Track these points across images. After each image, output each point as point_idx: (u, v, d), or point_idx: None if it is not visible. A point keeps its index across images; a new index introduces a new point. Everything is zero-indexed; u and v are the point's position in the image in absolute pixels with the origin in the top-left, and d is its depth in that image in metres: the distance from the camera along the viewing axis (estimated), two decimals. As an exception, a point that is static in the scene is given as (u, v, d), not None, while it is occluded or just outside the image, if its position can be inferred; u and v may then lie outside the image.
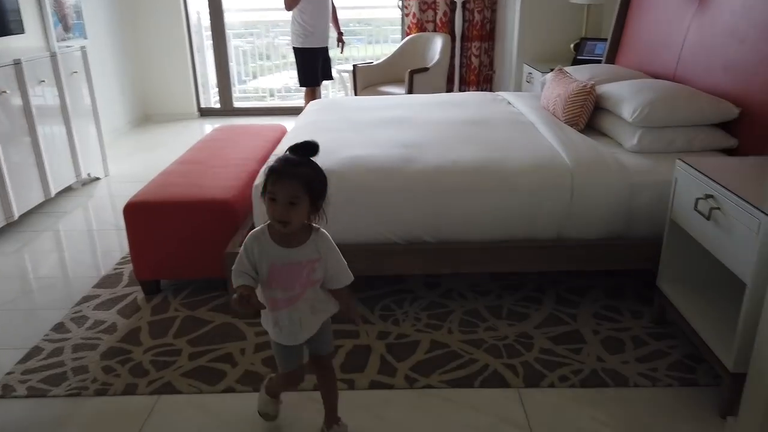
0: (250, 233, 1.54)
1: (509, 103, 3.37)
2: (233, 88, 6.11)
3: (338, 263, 1.58)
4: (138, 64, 5.71)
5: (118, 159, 4.59)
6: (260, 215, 2.32)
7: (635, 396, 1.91)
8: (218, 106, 6.11)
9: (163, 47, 5.70)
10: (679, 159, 2.04)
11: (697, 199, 1.88)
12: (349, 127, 2.89)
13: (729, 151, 2.44)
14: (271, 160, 1.50)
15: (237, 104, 6.17)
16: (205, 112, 6.07)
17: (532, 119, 2.91)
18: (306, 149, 1.46)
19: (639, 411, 1.85)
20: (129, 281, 2.70)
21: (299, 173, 1.43)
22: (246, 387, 1.97)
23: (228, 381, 2.01)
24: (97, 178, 4.18)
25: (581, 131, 2.72)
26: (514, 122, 2.88)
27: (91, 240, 3.23)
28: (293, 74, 6.98)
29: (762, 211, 1.58)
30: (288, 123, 3.94)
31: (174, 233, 2.46)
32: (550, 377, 1.99)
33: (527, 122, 2.89)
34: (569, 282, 2.58)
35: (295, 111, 5.93)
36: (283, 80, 7.21)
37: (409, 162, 2.37)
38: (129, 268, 2.79)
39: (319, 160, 2.42)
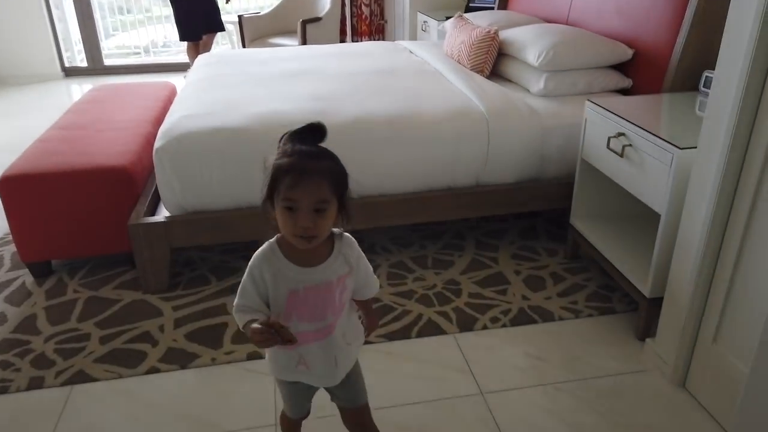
0: (254, 255, 1.14)
1: (411, 52, 3.32)
2: (101, 44, 5.51)
3: (368, 270, 1.23)
4: (-18, 17, 4.95)
5: (-27, 128, 4.00)
6: (165, 183, 2.12)
7: (561, 329, 2.02)
8: (86, 64, 5.50)
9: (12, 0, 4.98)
10: (589, 100, 2.12)
11: (609, 138, 1.97)
12: (251, 81, 2.70)
13: (624, 91, 2.58)
14: (273, 158, 1.06)
15: (108, 62, 5.59)
16: (71, 72, 5.45)
17: (439, 67, 2.88)
18: (312, 134, 1.07)
19: (567, 342, 1.95)
20: (12, 264, 2.38)
21: (324, 169, 1.04)
22: (172, 365, 1.83)
23: (150, 361, 1.85)
24: (-50, 152, 3.62)
25: (486, 78, 2.74)
26: (422, 71, 2.85)
27: (-46, 222, 2.80)
28: (161, 29, 6.44)
29: (674, 145, 1.68)
30: (172, 80, 3.63)
31: (64, 207, 2.18)
32: (482, 320, 2.04)
33: (434, 71, 2.86)
34: (486, 227, 2.65)
35: (175, 68, 5.52)
36: (149, 36, 6.60)
37: (323, 116, 2.25)
38: (10, 249, 2.46)
39: (223, 117, 2.28)
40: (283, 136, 1.09)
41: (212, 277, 2.28)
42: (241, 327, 1.11)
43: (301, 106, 2.32)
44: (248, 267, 1.14)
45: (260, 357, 1.86)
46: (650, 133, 1.78)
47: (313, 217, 1.04)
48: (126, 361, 1.85)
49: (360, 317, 1.30)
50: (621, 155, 1.91)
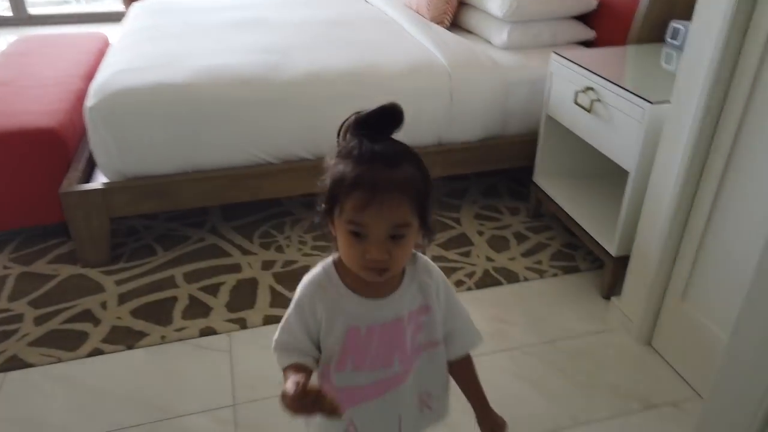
0: (304, 281, 0.90)
1: (366, 1, 3.14)
2: (24, -9, 5.03)
3: (458, 309, 0.95)
4: None
5: None
6: (100, 145, 1.92)
7: (526, 290, 1.97)
8: (9, 13, 5.02)
9: None
10: (555, 52, 2.03)
11: (577, 92, 1.89)
12: (193, 31, 2.48)
13: (587, 44, 2.50)
14: (332, 158, 0.81)
15: (33, 11, 5.12)
16: (-8, 22, 4.97)
17: (397, 18, 2.72)
18: (383, 122, 0.79)
19: (532, 304, 1.91)
20: (-70, 239, 2.15)
21: (403, 181, 0.77)
22: (117, 346, 1.69)
23: (92, 342, 1.70)
24: None
25: (447, 29, 2.61)
26: (380, 22, 2.68)
27: None
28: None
29: (646, 100, 1.61)
30: (107, 31, 3.33)
31: (-14, 174, 1.96)
32: (446, 284, 1.97)
33: (392, 21, 2.70)
34: (447, 186, 2.56)
35: (108, 17, 5.11)
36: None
37: (274, 70, 2.09)
38: (-73, 223, 2.22)
39: (164, 71, 2.07)
40: (343, 124, 0.82)
41: (158, 247, 2.12)
42: (281, 368, 0.88)
43: (250, 59, 2.14)
44: (296, 295, 0.89)
45: (214, 333, 1.74)
46: (620, 87, 1.70)
47: (388, 246, 0.77)
48: (65, 343, 1.69)
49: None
50: (589, 110, 1.83)
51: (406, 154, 0.80)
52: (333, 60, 2.16)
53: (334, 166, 0.79)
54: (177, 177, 2.00)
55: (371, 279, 0.81)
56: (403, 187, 0.76)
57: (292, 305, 0.89)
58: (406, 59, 2.20)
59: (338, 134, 0.82)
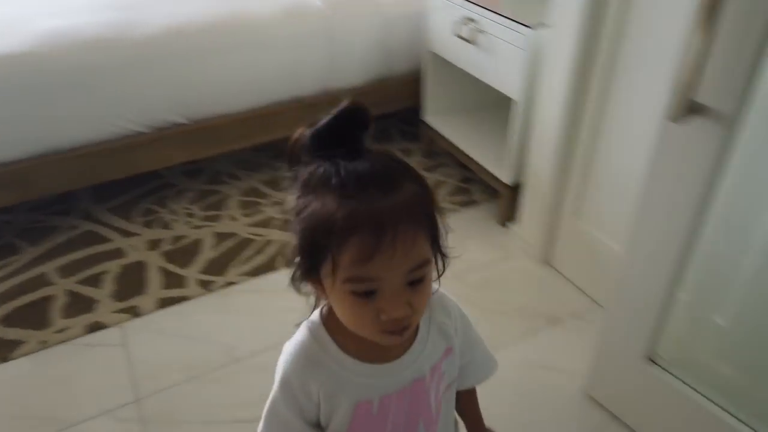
0: (287, 353, 0.70)
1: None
2: None
3: (474, 338, 0.81)
4: None
5: None
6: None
7: (430, 231, 1.97)
8: None
9: None
10: (429, -16, 1.96)
11: (456, 24, 1.84)
12: (23, -9, 2.14)
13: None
14: (298, 195, 0.61)
15: None
16: None
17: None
18: (351, 126, 0.60)
19: (437, 244, 1.91)
20: None
21: (408, 205, 0.57)
22: (-10, 360, 1.49)
23: (-42, 361, 1.48)
24: None
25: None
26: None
27: None
28: None
29: (526, 26, 1.60)
30: None
31: None
32: (350, 236, 1.92)
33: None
34: (337, 136, 2.47)
35: None
36: None
37: (127, 28, 1.85)
38: None
39: (2, 40, 1.77)
40: (293, 145, 0.61)
41: (22, 243, 1.86)
42: None
43: (98, 18, 1.88)
44: (279, 374, 0.69)
45: (104, 327, 1.58)
46: (500, 15, 1.68)
47: (408, 294, 0.59)
48: (-77, 367, 1.46)
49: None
50: (470, 42, 1.80)
51: (399, 166, 0.60)
52: (195, 11, 1.95)
53: (307, 207, 0.58)
54: (31, 161, 1.75)
55: (389, 343, 0.62)
56: (413, 215, 0.57)
57: (276, 386, 0.69)
58: (278, 4, 2.04)
59: (289, 160, 0.61)
